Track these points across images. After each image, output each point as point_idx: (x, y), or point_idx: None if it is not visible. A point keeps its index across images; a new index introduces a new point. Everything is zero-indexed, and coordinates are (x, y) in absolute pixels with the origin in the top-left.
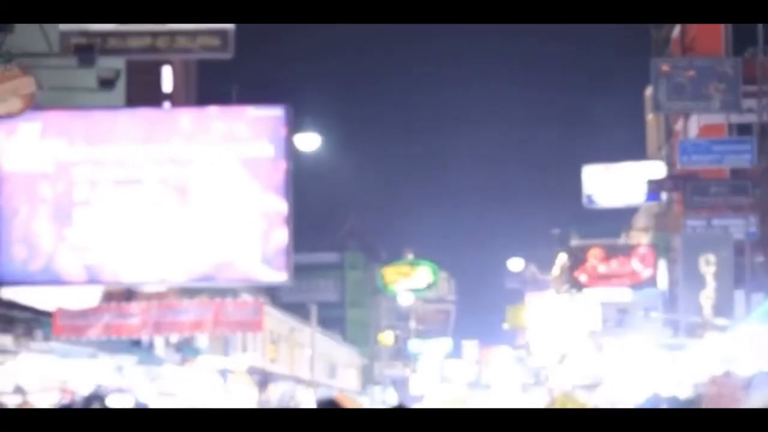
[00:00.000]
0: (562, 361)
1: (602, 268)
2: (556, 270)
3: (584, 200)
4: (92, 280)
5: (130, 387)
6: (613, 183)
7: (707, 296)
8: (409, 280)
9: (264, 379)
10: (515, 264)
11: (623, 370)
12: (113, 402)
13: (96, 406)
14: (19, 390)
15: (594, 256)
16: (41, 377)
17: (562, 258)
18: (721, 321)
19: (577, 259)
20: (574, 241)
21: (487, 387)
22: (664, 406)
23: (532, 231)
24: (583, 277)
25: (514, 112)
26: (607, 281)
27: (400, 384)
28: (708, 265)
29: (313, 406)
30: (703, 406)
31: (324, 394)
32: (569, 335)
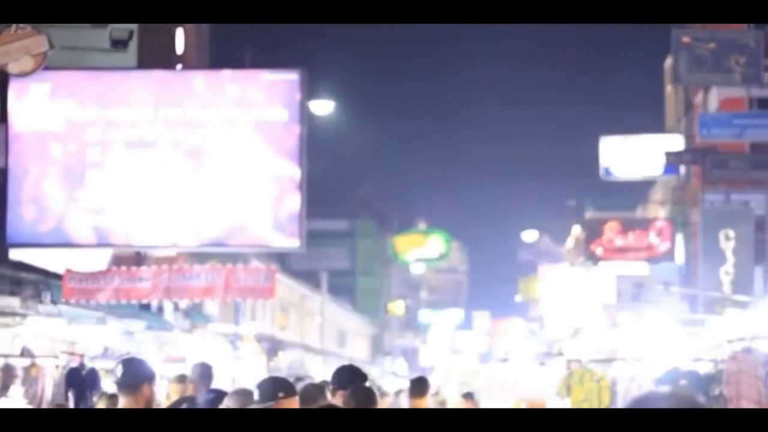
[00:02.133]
0: (576, 335)
1: (619, 241)
2: (570, 242)
3: (601, 172)
4: (102, 243)
5: (139, 352)
6: (631, 155)
7: (726, 272)
8: (421, 250)
9: (273, 347)
10: (529, 235)
11: (640, 345)
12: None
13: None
14: (26, 353)
15: (610, 228)
16: (49, 340)
17: (577, 230)
18: (740, 297)
19: (593, 231)
20: (590, 213)
21: (499, 359)
22: (684, 381)
23: (547, 202)
24: (599, 250)
25: (532, 82)
26: (624, 254)
27: (410, 354)
28: (728, 240)
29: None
30: (724, 382)
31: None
32: (583, 309)
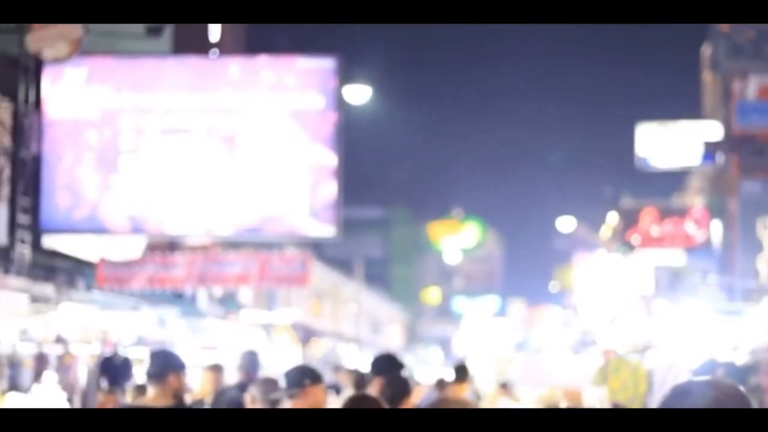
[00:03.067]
0: (611, 324)
1: (655, 230)
2: (606, 230)
3: (637, 160)
4: (136, 230)
5: (172, 340)
6: (668, 143)
7: (764, 261)
8: (456, 238)
9: (307, 335)
10: (564, 223)
11: (676, 334)
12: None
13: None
14: (60, 340)
15: (647, 217)
16: (82, 328)
17: (613, 218)
18: None
19: (630, 219)
20: (626, 202)
21: (534, 347)
22: (721, 371)
23: (583, 190)
24: (635, 239)
25: (570, 71)
26: (660, 243)
27: (444, 342)
28: (765, 229)
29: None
30: (761, 373)
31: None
32: (619, 297)
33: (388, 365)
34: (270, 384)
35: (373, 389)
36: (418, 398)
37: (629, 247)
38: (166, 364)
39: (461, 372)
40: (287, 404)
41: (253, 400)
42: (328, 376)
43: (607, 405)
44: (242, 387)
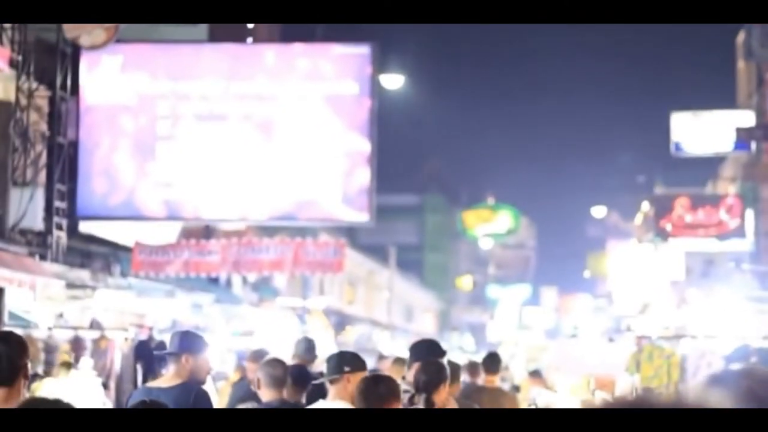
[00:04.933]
0: (644, 311)
1: (688, 218)
2: (639, 218)
3: (671, 147)
4: (172, 216)
5: (207, 325)
6: (702, 131)
7: None
8: (490, 225)
9: (341, 321)
10: (598, 211)
11: (709, 322)
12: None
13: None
14: (96, 325)
15: (680, 204)
16: (118, 313)
17: (646, 206)
18: None
19: (663, 207)
20: (659, 189)
21: (567, 335)
22: (754, 358)
23: (616, 178)
24: (668, 227)
25: (603, 58)
26: (694, 231)
27: (477, 329)
28: None
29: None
30: None
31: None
32: (652, 285)
33: (426, 351)
34: (276, 364)
35: (410, 375)
36: (483, 381)
37: (663, 235)
38: (181, 345)
39: (493, 362)
40: (330, 390)
41: (258, 382)
42: (370, 363)
43: (639, 393)
44: (301, 371)
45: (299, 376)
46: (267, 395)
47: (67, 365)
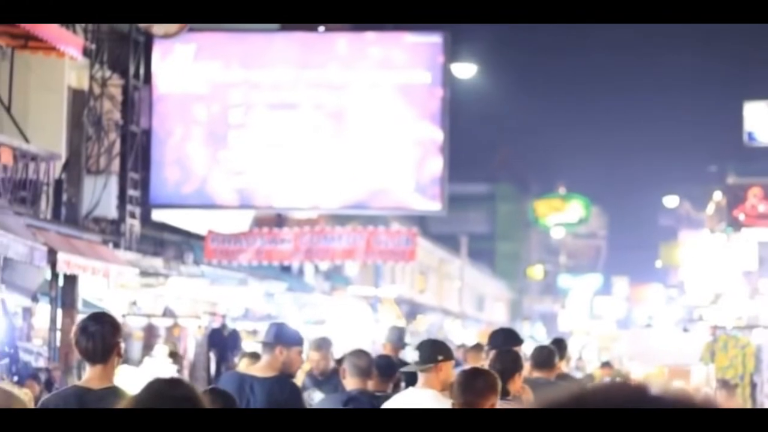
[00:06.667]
0: (716, 301)
1: (762, 208)
2: (711, 208)
3: (744, 137)
4: (244, 205)
5: (279, 314)
6: None
7: None
8: (561, 214)
9: (412, 310)
10: (670, 201)
11: None
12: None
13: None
14: (169, 313)
15: (753, 194)
16: (191, 301)
17: (718, 196)
18: None
19: (736, 197)
20: (731, 179)
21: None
22: None
23: (688, 167)
24: (741, 216)
25: (676, 48)
26: (767, 221)
27: (548, 319)
28: None
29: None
30: None
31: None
32: (724, 275)
33: (503, 339)
34: (361, 354)
35: (487, 363)
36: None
37: (735, 225)
38: (277, 336)
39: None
40: (420, 377)
41: (343, 372)
42: None
43: (714, 383)
44: (388, 361)
45: (386, 366)
46: (351, 384)
47: (173, 354)
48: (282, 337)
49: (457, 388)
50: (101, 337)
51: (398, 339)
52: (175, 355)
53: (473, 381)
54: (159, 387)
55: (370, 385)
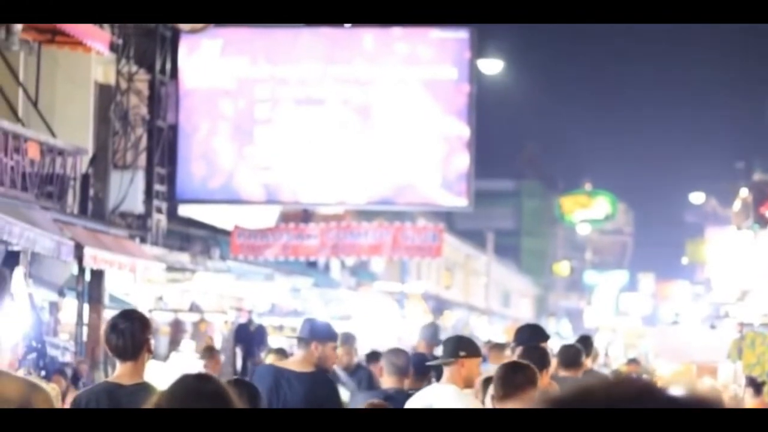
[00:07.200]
0: (743, 299)
1: None
2: (737, 204)
3: None
4: (271, 200)
5: (305, 309)
6: None
7: None
8: (587, 211)
9: (439, 306)
10: (696, 197)
11: None
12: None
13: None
14: (195, 308)
15: None
16: (217, 296)
17: (744, 192)
18: None
19: (762, 193)
20: (758, 176)
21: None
22: None
23: (715, 164)
24: (767, 213)
25: (701, 44)
26: None
27: (574, 315)
28: None
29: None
30: None
31: None
32: (752, 272)
33: (529, 335)
34: (399, 353)
35: (514, 358)
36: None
37: (762, 222)
38: (312, 332)
39: (585, 345)
40: (444, 373)
41: (380, 370)
42: None
43: (741, 380)
44: (423, 359)
45: (421, 365)
46: (388, 383)
47: (210, 349)
48: (317, 333)
49: (497, 381)
50: (131, 334)
51: (432, 336)
52: (211, 350)
53: (513, 375)
54: (188, 382)
55: (407, 384)
